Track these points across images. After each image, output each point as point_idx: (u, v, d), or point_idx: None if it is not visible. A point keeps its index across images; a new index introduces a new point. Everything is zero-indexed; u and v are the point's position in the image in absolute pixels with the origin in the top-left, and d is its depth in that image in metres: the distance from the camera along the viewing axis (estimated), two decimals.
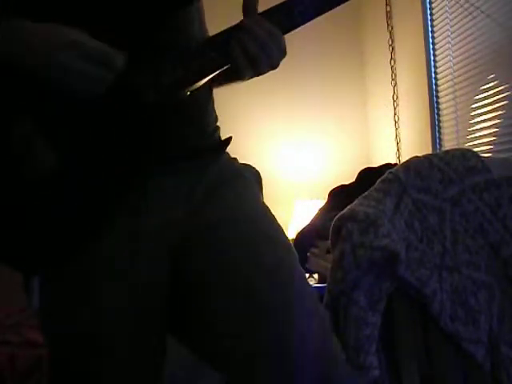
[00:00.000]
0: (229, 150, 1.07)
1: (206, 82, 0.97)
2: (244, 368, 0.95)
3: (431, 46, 2.93)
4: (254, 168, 1.10)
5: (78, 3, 0.92)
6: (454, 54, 2.73)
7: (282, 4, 0.97)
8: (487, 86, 2.43)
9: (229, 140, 1.04)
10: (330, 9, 0.99)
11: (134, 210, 0.96)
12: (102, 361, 0.96)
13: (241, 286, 0.95)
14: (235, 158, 1.09)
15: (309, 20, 0.98)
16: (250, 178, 1.08)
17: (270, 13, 0.97)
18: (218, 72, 0.96)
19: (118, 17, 0.92)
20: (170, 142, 0.96)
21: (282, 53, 0.96)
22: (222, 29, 0.97)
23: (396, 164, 2.77)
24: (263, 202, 1.06)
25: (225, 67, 0.96)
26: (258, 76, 0.99)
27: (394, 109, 3.33)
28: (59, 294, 0.96)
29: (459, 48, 2.67)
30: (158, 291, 0.98)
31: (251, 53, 0.93)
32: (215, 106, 1.12)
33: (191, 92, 0.95)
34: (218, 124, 1.08)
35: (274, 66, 0.97)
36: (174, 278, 0.99)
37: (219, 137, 1.08)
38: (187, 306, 0.99)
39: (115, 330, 0.95)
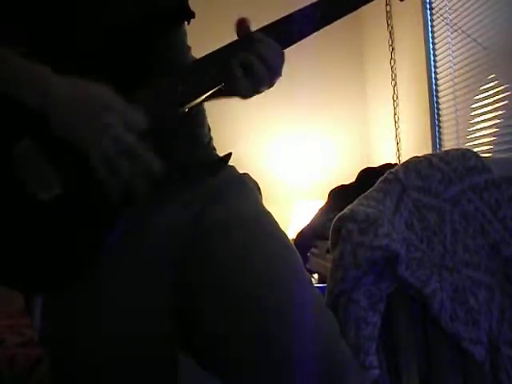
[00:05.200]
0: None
1: (204, 99, 0.98)
2: (240, 370, 0.95)
3: (431, 46, 2.93)
4: (251, 178, 1.10)
5: (68, 28, 0.93)
6: (453, 54, 2.73)
7: (279, 21, 0.98)
8: (487, 86, 2.43)
9: (229, 156, 1.05)
10: (328, 24, 1.00)
11: (135, 224, 0.95)
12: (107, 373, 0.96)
13: (233, 296, 0.94)
14: (233, 166, 1.09)
15: (306, 36, 0.99)
16: (250, 184, 1.08)
17: (269, 29, 0.97)
18: (217, 88, 0.96)
19: (113, 41, 0.92)
20: (167, 154, 0.96)
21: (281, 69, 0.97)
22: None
23: (396, 164, 2.77)
24: (264, 206, 1.06)
25: (224, 83, 0.96)
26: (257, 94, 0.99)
27: (394, 109, 3.33)
28: (60, 316, 0.96)
29: (459, 48, 2.67)
30: (162, 304, 0.97)
31: (256, 72, 0.93)
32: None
33: (189, 108, 0.96)
34: (211, 135, 1.09)
35: (273, 84, 0.98)
36: (177, 290, 0.99)
37: (214, 147, 1.08)
38: (185, 316, 0.99)
39: (120, 336, 0.95)
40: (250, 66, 0.93)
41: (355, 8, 1.03)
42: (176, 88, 0.93)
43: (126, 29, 0.93)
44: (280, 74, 0.98)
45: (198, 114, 1.06)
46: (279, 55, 0.96)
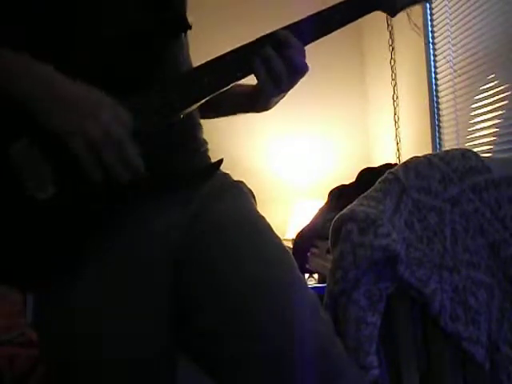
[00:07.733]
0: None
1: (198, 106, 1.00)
2: (237, 371, 0.95)
3: (431, 46, 2.93)
4: (246, 185, 1.12)
5: (67, 39, 0.94)
6: (454, 54, 2.73)
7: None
8: (487, 86, 2.43)
9: (221, 161, 1.06)
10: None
11: (132, 225, 0.96)
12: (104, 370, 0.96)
13: (229, 298, 0.95)
14: (228, 174, 1.10)
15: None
16: (243, 189, 1.09)
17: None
18: (214, 94, 0.98)
19: (112, 53, 0.93)
20: (165, 161, 0.97)
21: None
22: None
23: (396, 164, 2.77)
24: (258, 212, 1.07)
25: (222, 90, 0.98)
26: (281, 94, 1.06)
27: (394, 109, 3.33)
28: (59, 316, 0.96)
29: (459, 48, 2.67)
30: (159, 304, 0.98)
31: (273, 67, 0.98)
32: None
33: (184, 115, 0.97)
34: (207, 147, 1.11)
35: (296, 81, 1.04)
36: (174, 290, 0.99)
37: (209, 158, 1.10)
38: (182, 316, 0.99)
39: (118, 331, 0.95)
40: (267, 61, 0.97)
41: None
42: (178, 92, 0.95)
43: (125, 40, 0.94)
44: (305, 71, 1.04)
45: (194, 126, 1.08)
46: (302, 53, 1.02)
